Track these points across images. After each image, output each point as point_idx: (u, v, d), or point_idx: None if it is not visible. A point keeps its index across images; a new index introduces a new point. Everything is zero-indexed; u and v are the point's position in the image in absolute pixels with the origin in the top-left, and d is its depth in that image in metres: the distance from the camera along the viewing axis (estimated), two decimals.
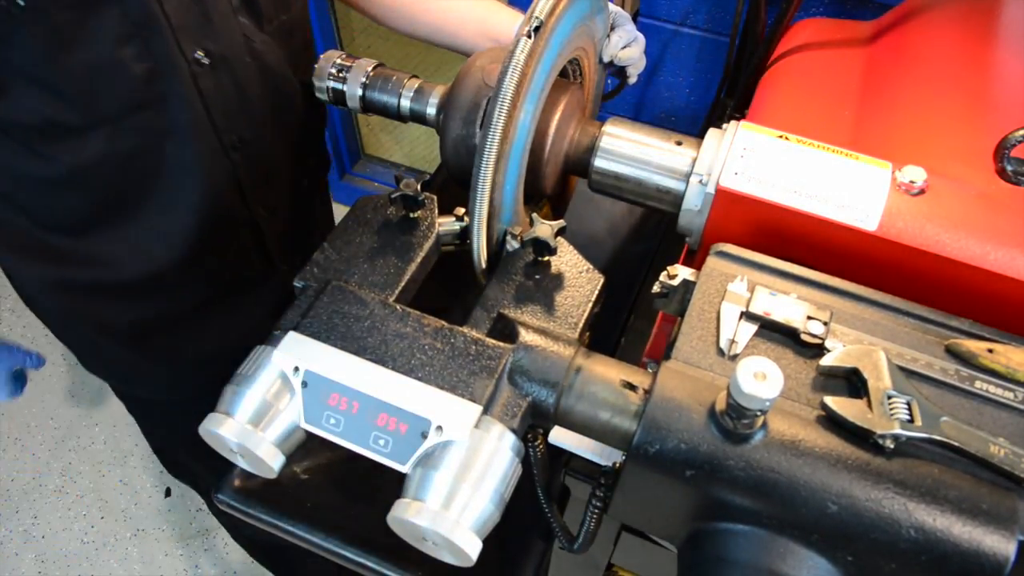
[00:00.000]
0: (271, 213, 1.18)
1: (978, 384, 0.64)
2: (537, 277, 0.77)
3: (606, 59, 1.03)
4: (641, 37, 1.07)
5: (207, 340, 1.25)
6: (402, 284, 0.75)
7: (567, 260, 0.78)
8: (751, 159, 0.80)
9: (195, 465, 1.61)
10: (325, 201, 1.48)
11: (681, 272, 0.74)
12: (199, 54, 0.96)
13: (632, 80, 1.11)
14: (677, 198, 0.86)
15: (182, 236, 1.07)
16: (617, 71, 1.09)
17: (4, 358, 1.16)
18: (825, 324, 0.67)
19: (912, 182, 0.77)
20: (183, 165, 1.01)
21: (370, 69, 0.95)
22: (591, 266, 0.78)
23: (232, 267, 1.19)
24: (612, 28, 1.03)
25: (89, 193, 1.01)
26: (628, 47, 1.04)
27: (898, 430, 0.59)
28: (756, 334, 0.68)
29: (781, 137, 0.82)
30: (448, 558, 0.65)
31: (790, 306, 0.68)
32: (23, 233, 1.06)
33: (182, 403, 1.32)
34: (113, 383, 1.37)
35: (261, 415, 0.67)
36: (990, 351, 0.65)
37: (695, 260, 0.89)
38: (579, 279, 0.77)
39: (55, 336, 1.27)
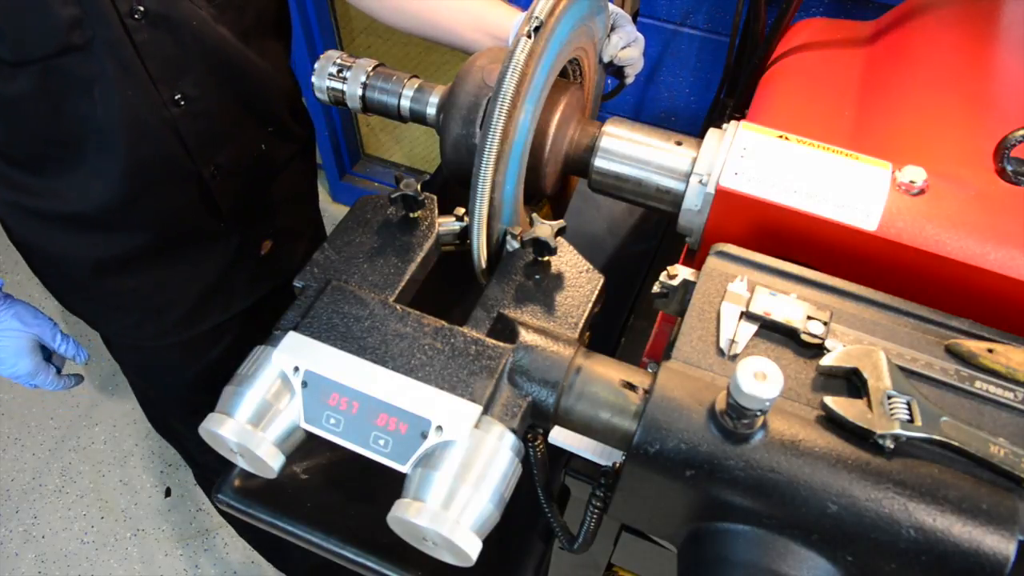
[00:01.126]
0: (221, 172, 1.23)
1: (978, 384, 0.64)
2: (537, 277, 0.77)
3: (606, 59, 1.04)
4: (641, 38, 1.08)
5: (167, 289, 1.31)
6: (402, 284, 0.75)
7: (567, 260, 0.78)
8: (751, 159, 0.80)
9: (178, 425, 1.67)
10: (308, 177, 1.52)
11: (681, 272, 0.74)
12: (139, 8, 1.00)
13: (630, 80, 1.12)
14: (677, 198, 0.86)
15: (119, 178, 1.12)
16: (615, 71, 1.09)
17: (31, 325, 1.24)
18: (825, 324, 0.67)
19: (912, 182, 0.77)
20: (115, 111, 1.05)
21: (370, 69, 0.95)
22: (591, 266, 0.78)
23: (180, 217, 1.24)
24: (612, 28, 1.03)
25: (24, 126, 1.06)
26: (628, 47, 1.05)
27: (898, 430, 0.59)
28: (756, 334, 0.68)
29: (781, 137, 0.82)
30: (448, 558, 0.65)
31: (790, 306, 0.68)
32: None
33: (156, 351, 1.41)
34: (86, 320, 1.43)
35: (261, 415, 0.67)
36: (990, 351, 0.65)
37: (695, 260, 0.89)
38: (579, 279, 0.77)
39: (34, 272, 1.33)
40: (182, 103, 1.10)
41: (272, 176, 1.38)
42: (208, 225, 1.28)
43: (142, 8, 1.01)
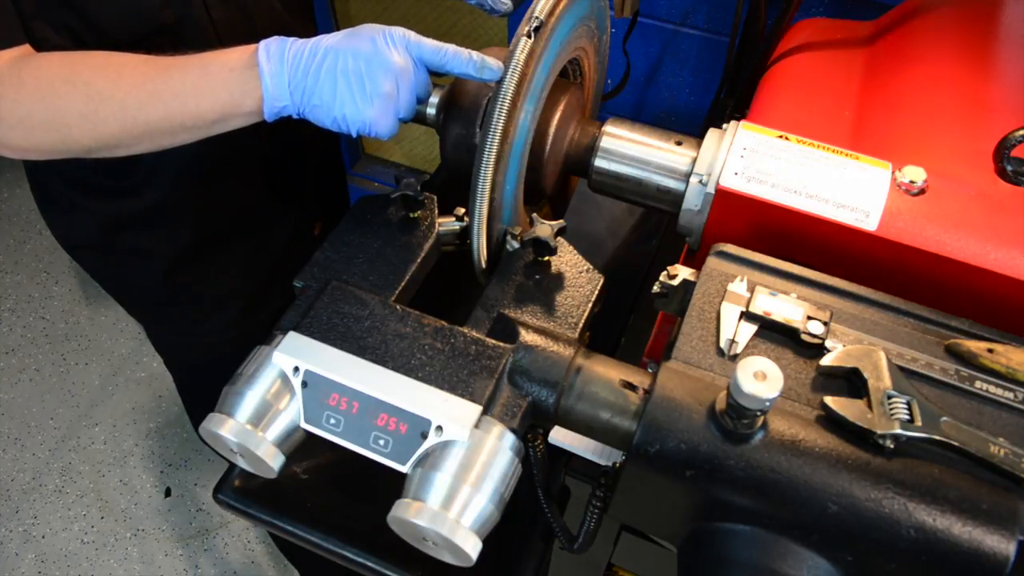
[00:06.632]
0: (283, 151, 1.22)
1: (978, 384, 0.64)
2: (537, 277, 0.77)
3: None
4: None
5: (231, 278, 1.31)
6: (402, 284, 0.75)
7: (567, 260, 0.78)
8: (751, 159, 0.80)
9: None
10: (339, 156, 1.53)
11: (681, 272, 0.74)
12: None
13: None
14: (677, 198, 0.86)
15: (196, 164, 1.11)
16: None
17: None
18: (825, 324, 0.67)
19: (912, 182, 0.77)
20: None
21: None
22: (591, 266, 0.78)
23: (245, 200, 1.24)
24: None
25: None
26: None
27: (898, 430, 0.59)
28: (756, 334, 0.68)
29: (781, 137, 0.82)
30: (448, 558, 0.65)
31: (790, 306, 0.68)
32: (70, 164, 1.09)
33: (214, 348, 1.39)
34: (154, 322, 1.43)
35: (261, 415, 0.67)
36: (990, 351, 0.65)
37: (695, 260, 0.89)
38: (579, 279, 0.77)
39: (98, 280, 1.32)
40: None
41: (322, 154, 1.38)
42: (269, 206, 1.28)
43: None
